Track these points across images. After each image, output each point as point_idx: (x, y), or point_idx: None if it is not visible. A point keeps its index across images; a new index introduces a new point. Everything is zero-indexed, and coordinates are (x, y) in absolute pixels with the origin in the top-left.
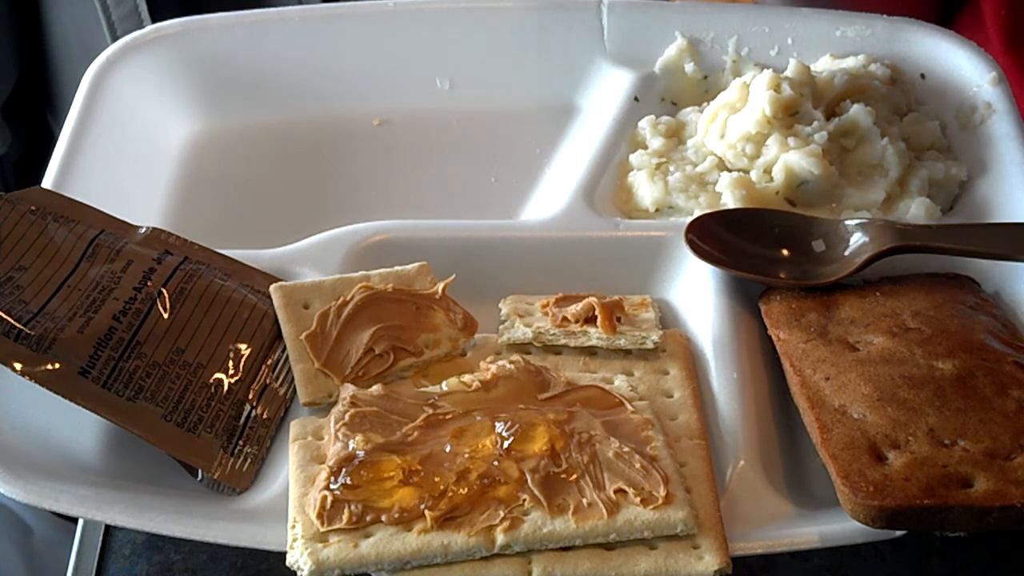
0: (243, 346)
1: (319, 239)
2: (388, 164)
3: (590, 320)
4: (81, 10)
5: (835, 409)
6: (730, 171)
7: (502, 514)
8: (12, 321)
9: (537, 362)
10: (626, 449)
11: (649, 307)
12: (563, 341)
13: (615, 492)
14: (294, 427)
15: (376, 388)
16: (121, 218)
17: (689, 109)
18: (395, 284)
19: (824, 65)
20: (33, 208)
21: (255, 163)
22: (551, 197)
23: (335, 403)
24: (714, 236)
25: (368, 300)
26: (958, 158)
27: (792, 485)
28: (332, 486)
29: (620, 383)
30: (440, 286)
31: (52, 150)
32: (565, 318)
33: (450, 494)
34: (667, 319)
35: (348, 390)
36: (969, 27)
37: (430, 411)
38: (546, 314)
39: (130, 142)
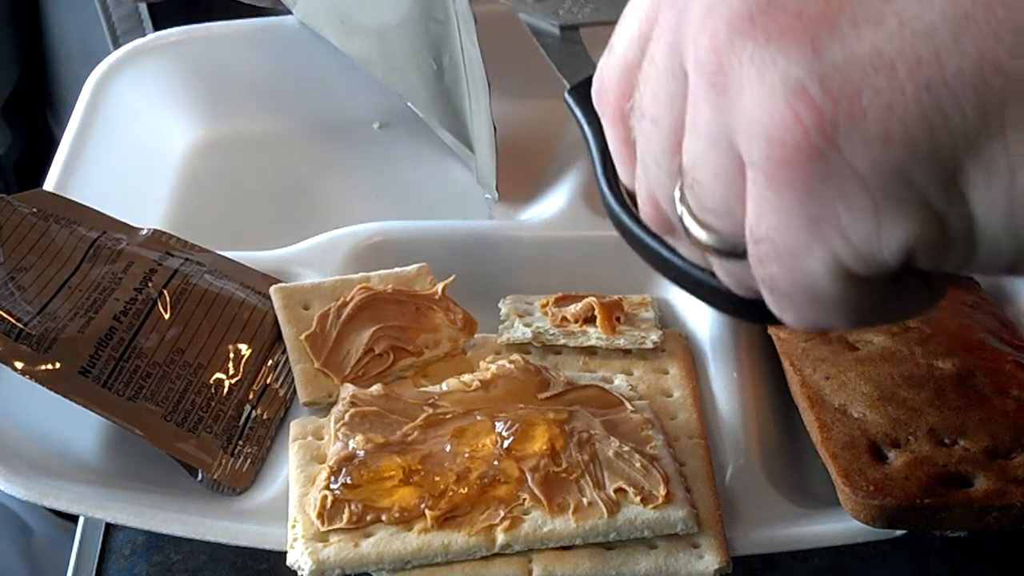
0: (243, 347)
1: (319, 240)
2: (388, 167)
3: (589, 320)
4: (81, 10)
5: (835, 408)
6: None
7: (502, 513)
8: (13, 321)
9: (537, 362)
10: (626, 448)
11: (649, 307)
12: (562, 341)
13: (615, 491)
14: (294, 427)
15: (376, 388)
16: (122, 220)
17: None
18: (395, 285)
19: None
20: (35, 210)
21: (256, 166)
22: (551, 197)
23: (335, 403)
24: None
25: (368, 301)
26: None
27: (792, 485)
28: (332, 486)
29: (620, 382)
30: (440, 287)
31: (52, 151)
32: (564, 318)
33: (450, 494)
34: (667, 318)
35: (348, 390)
36: None
37: (430, 411)
38: (545, 314)
39: (132, 146)
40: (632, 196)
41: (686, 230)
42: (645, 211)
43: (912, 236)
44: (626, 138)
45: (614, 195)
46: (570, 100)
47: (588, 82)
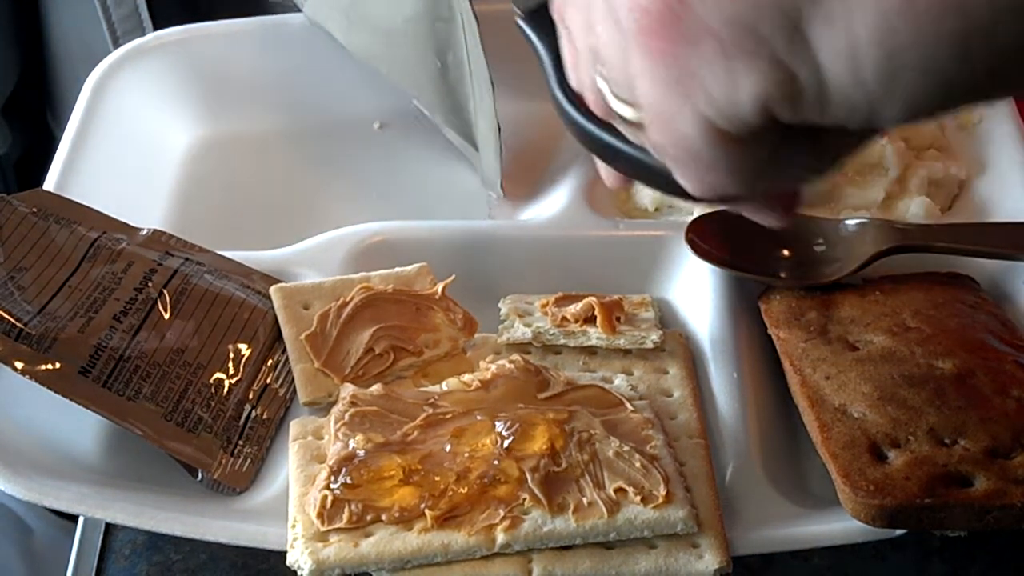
0: (243, 347)
1: (319, 240)
2: (388, 167)
3: (590, 320)
4: (81, 10)
5: (835, 408)
6: None
7: (502, 513)
8: (13, 321)
9: (537, 361)
10: (626, 448)
11: (649, 307)
12: (563, 341)
13: (615, 491)
14: (294, 427)
15: (376, 388)
16: (122, 220)
17: None
18: (395, 285)
19: None
20: (35, 209)
21: (256, 166)
22: (551, 197)
23: (335, 403)
24: (714, 236)
25: (368, 300)
26: (957, 157)
27: (792, 485)
28: (332, 485)
29: (620, 382)
30: (440, 286)
31: (52, 151)
32: (564, 318)
33: (450, 493)
34: (667, 318)
35: (348, 390)
36: None
37: (430, 411)
38: (545, 314)
39: (132, 146)
40: (581, 99)
41: (609, 107)
42: (589, 98)
43: (764, 87)
44: (571, 41)
45: (564, 95)
46: (522, 24)
47: (540, 7)
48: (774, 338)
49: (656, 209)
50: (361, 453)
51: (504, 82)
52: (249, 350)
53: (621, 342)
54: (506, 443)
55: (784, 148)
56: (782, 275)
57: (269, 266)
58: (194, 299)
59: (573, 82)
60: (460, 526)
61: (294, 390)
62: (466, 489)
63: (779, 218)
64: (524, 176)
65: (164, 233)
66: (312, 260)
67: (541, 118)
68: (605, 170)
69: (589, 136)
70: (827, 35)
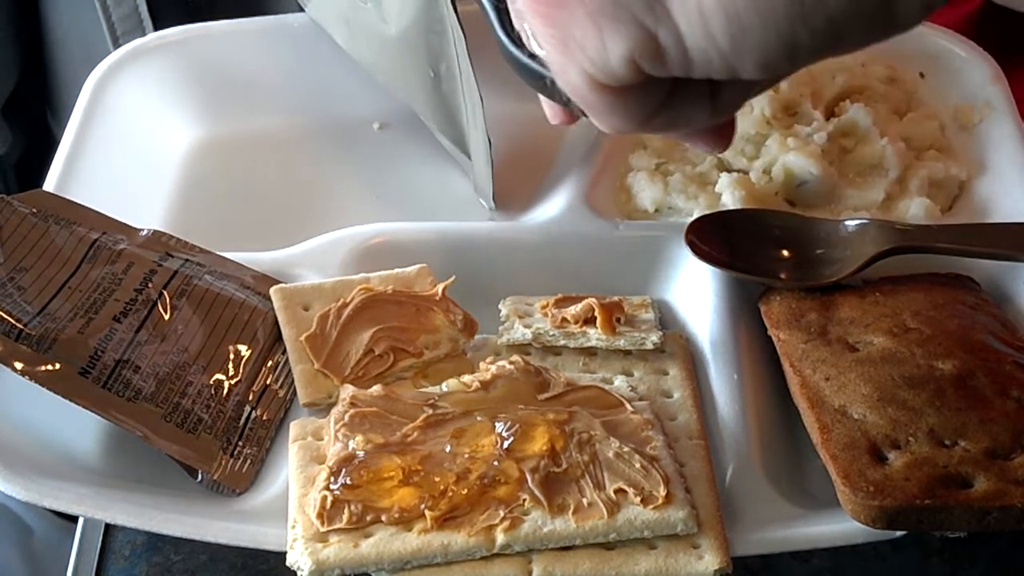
0: (243, 348)
1: (319, 241)
2: (388, 167)
3: (590, 321)
4: (81, 10)
5: (835, 409)
6: (729, 171)
7: (502, 514)
8: (13, 321)
9: (537, 362)
10: (626, 449)
11: (649, 308)
12: (562, 342)
13: (615, 492)
14: (294, 428)
15: (376, 389)
16: (122, 220)
17: None
18: (395, 286)
19: (823, 64)
20: (35, 210)
21: (256, 167)
22: (551, 199)
23: (335, 404)
24: (714, 237)
25: (368, 301)
26: (957, 158)
27: (792, 485)
28: (332, 486)
29: (620, 383)
30: (440, 287)
31: (52, 151)
32: (564, 319)
33: (450, 494)
34: (667, 319)
35: (348, 391)
36: None
37: (430, 411)
38: (546, 315)
39: (132, 146)
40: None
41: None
42: (526, 40)
43: (629, 47)
44: None
45: (508, 37)
46: None
47: None
48: (774, 339)
49: (656, 210)
50: (361, 454)
51: (506, 83)
52: (249, 351)
53: (621, 343)
54: (506, 444)
55: (677, 94)
56: (782, 276)
57: (269, 267)
58: (194, 300)
59: (516, 24)
60: (460, 527)
61: (294, 391)
62: (466, 490)
63: (712, 149)
64: (523, 178)
65: (164, 234)
66: (312, 261)
67: (541, 120)
68: (549, 107)
69: (529, 71)
70: (682, 3)
